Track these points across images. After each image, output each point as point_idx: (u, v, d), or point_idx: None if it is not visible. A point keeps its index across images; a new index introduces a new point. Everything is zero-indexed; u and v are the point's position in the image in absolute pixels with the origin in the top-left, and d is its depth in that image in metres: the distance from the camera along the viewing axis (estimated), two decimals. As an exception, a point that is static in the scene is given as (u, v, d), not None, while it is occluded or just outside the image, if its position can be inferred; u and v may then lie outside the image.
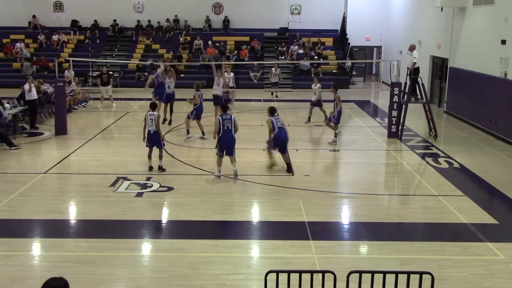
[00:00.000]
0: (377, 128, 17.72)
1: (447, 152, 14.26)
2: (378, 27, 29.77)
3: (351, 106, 22.09)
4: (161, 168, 12.00)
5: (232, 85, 20.29)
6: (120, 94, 24.25)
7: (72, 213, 9.86)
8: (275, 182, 11.37)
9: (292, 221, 9.28)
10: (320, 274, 5.55)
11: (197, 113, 15.36)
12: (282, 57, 29.09)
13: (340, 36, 30.81)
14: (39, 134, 16.06)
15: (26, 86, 16.37)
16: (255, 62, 27.32)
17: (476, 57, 17.88)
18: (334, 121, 15.06)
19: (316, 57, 28.58)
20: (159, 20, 30.90)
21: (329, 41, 30.55)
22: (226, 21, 31.17)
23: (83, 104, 21.47)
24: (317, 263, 7.61)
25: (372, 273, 5.44)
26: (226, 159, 11.75)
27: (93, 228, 8.91)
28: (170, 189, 10.87)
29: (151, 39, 30.44)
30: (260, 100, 23.42)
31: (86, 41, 30.38)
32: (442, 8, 20.42)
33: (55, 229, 8.94)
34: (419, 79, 16.12)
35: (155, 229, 9.09)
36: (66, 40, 30.02)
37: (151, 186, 11.01)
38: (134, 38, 30.75)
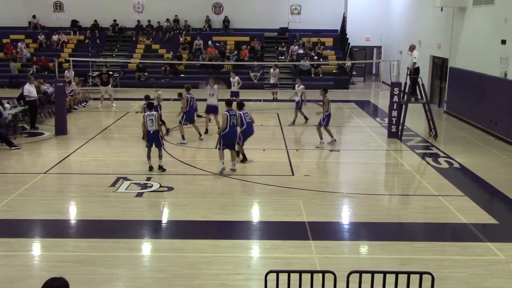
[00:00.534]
0: (377, 128, 17.70)
1: (447, 152, 14.25)
2: (378, 27, 29.76)
3: (351, 106, 22.08)
4: (161, 168, 11.99)
5: (236, 90, 19.63)
6: (120, 94, 24.27)
7: (72, 213, 9.86)
8: (275, 182, 11.36)
9: (292, 221, 9.28)
10: (320, 274, 5.55)
11: (187, 118, 14.92)
12: (282, 57, 29.10)
13: (340, 36, 30.80)
14: (39, 134, 16.06)
15: (26, 87, 16.39)
16: (255, 62, 27.32)
17: (476, 57, 17.87)
18: (324, 124, 14.79)
19: (316, 57, 28.58)
20: (159, 20, 30.90)
21: (329, 41, 30.54)
22: (226, 21, 31.17)
23: (83, 104, 21.47)
24: (317, 263, 7.60)
25: (372, 273, 5.44)
26: (226, 158, 11.76)
27: (93, 228, 8.91)
28: (170, 189, 10.87)
29: (151, 39, 30.45)
30: (260, 100, 23.42)
31: (86, 41, 30.41)
32: (442, 8, 20.40)
33: (55, 229, 8.94)
34: (419, 79, 16.11)
35: (155, 229, 9.09)
36: (66, 40, 30.04)
37: (151, 186, 11.01)
38: (134, 38, 30.77)
